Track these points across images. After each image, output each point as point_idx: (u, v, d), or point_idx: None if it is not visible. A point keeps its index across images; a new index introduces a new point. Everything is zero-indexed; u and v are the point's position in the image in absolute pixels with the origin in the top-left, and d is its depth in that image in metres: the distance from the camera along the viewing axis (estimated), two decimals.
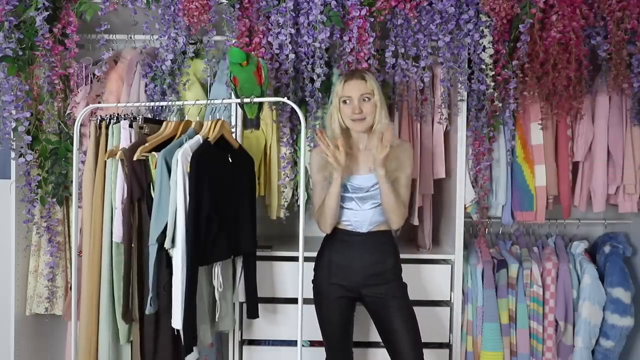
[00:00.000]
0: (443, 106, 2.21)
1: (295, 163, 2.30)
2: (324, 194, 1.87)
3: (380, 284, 1.84)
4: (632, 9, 2.08)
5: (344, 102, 1.82)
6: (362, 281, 1.84)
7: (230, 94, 2.23)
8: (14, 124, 2.15)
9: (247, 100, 1.91)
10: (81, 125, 2.16)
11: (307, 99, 2.19)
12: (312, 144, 2.24)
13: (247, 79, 1.88)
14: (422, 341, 1.82)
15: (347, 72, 1.96)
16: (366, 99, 1.80)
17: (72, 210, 2.12)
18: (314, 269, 1.94)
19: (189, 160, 1.74)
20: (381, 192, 1.80)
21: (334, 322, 1.89)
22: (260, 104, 2.03)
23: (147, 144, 1.84)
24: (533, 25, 2.09)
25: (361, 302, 1.92)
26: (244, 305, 2.09)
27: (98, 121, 1.98)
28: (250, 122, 2.13)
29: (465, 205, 2.29)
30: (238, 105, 2.16)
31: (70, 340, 2.31)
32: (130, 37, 2.33)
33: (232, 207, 1.91)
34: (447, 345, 2.29)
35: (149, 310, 1.78)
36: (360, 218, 1.85)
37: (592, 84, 2.32)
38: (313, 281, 1.93)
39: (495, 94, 2.21)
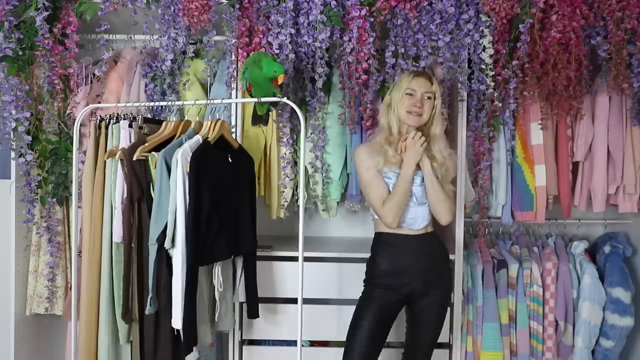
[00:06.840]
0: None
1: (295, 163, 2.30)
2: (384, 185, 1.85)
3: (434, 290, 1.88)
4: (632, 9, 2.08)
5: (409, 94, 1.85)
6: (418, 286, 1.86)
7: (230, 94, 2.23)
8: (14, 124, 2.15)
9: (264, 99, 1.93)
10: (81, 125, 2.16)
11: (307, 99, 2.19)
12: (312, 144, 2.24)
13: (265, 87, 1.92)
14: None
15: (415, 70, 2.03)
16: (428, 97, 1.85)
17: (72, 210, 2.12)
18: (367, 272, 1.92)
19: (189, 160, 1.74)
20: (427, 185, 1.83)
21: (373, 327, 1.85)
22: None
23: (146, 144, 1.84)
24: (533, 25, 2.08)
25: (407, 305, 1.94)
26: (244, 305, 2.09)
27: (98, 121, 1.98)
28: (259, 118, 2.14)
29: (465, 205, 2.29)
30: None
31: (70, 340, 2.31)
32: (130, 37, 2.32)
33: (232, 207, 1.91)
34: (447, 345, 2.28)
35: (148, 310, 1.78)
36: (413, 215, 1.86)
37: (592, 84, 2.32)
38: (365, 283, 1.92)
39: (495, 94, 2.20)
